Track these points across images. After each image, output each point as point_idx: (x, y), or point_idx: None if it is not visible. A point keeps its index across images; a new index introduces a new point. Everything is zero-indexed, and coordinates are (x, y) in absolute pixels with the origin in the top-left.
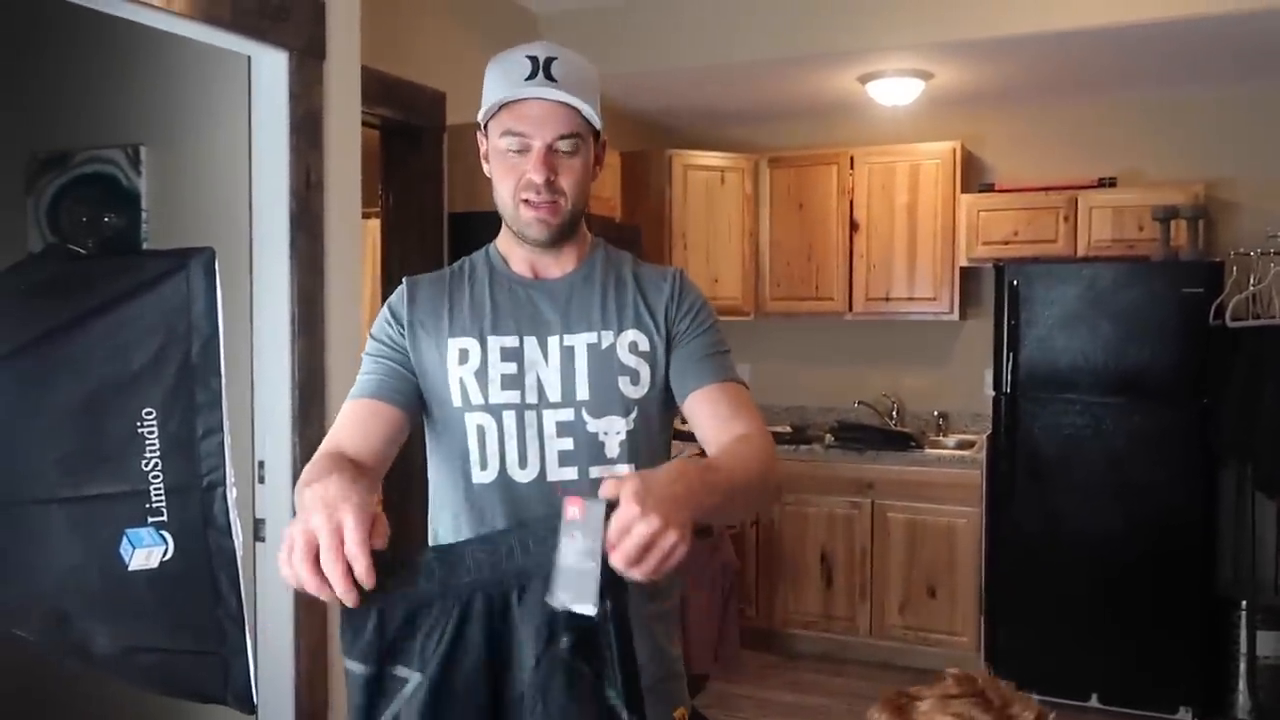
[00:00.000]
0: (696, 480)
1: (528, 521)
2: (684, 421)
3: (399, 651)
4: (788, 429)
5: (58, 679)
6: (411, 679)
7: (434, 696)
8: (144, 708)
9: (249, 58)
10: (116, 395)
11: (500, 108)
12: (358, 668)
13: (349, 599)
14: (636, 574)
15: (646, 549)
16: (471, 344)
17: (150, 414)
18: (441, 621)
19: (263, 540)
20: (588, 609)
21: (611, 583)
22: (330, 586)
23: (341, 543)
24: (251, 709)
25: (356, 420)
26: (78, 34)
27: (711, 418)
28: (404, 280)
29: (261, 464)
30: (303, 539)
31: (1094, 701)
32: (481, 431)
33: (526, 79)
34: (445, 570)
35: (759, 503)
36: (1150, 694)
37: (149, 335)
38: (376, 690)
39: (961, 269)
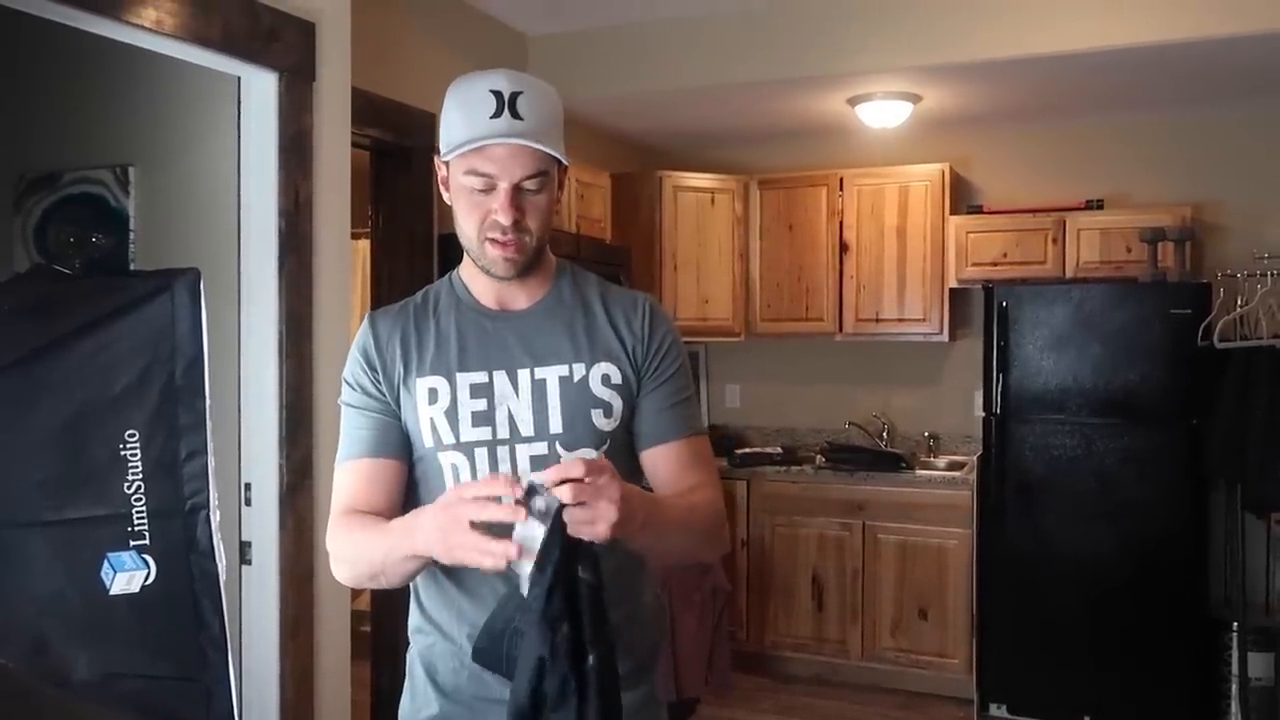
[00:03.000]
0: (641, 496)
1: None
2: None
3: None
4: (778, 450)
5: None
6: None
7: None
8: None
9: (239, 79)
10: (99, 417)
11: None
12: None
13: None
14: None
15: (583, 486)
16: (440, 382)
17: (133, 436)
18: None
19: (249, 563)
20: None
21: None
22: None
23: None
24: None
25: (368, 483)
26: (67, 54)
27: (667, 474)
28: (366, 317)
29: (248, 486)
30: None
31: None
32: (456, 470)
33: (491, 117)
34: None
35: (697, 548)
36: (1143, 716)
37: (133, 356)
38: None
39: (951, 290)
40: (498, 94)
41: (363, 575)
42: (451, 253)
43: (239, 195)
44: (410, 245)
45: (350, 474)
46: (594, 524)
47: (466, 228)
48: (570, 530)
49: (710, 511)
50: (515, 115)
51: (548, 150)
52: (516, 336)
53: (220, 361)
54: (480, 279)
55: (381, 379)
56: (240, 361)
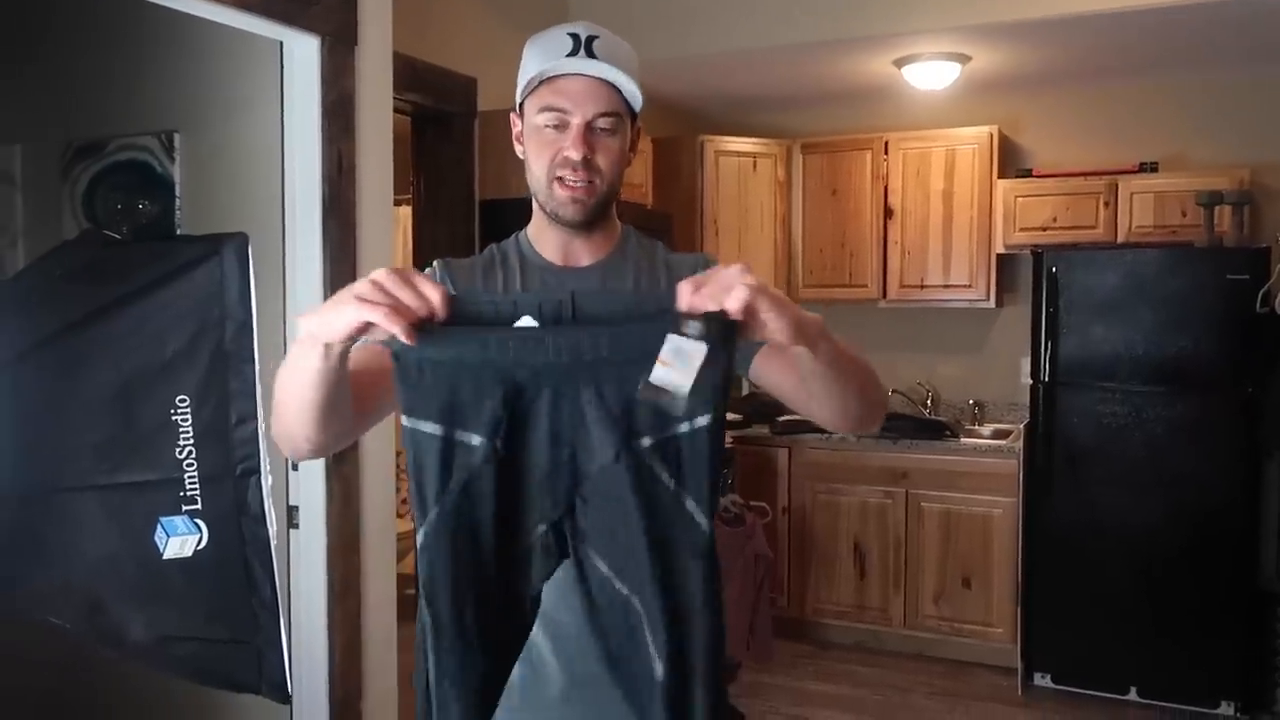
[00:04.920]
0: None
1: (616, 320)
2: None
3: (465, 416)
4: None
5: (92, 669)
6: (479, 445)
7: (504, 466)
8: (177, 697)
9: (281, 43)
10: (150, 382)
11: (539, 83)
12: (430, 427)
13: (426, 308)
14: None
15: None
16: None
17: (184, 401)
18: (508, 393)
19: (296, 527)
20: (681, 388)
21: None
22: (399, 314)
23: (407, 279)
24: (286, 699)
25: (364, 353)
26: (110, 22)
27: (781, 369)
28: (436, 261)
29: None
30: (364, 283)
31: (1133, 695)
32: None
33: (568, 55)
34: (519, 349)
35: (870, 396)
36: (1191, 688)
37: (183, 321)
38: (449, 455)
39: (998, 256)
40: (575, 36)
41: (276, 408)
42: (493, 220)
43: (282, 161)
44: (451, 212)
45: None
46: (780, 320)
47: (536, 169)
48: (747, 333)
49: (868, 365)
50: (591, 54)
51: (621, 83)
52: None
53: (265, 327)
54: (546, 234)
55: None
56: (285, 327)
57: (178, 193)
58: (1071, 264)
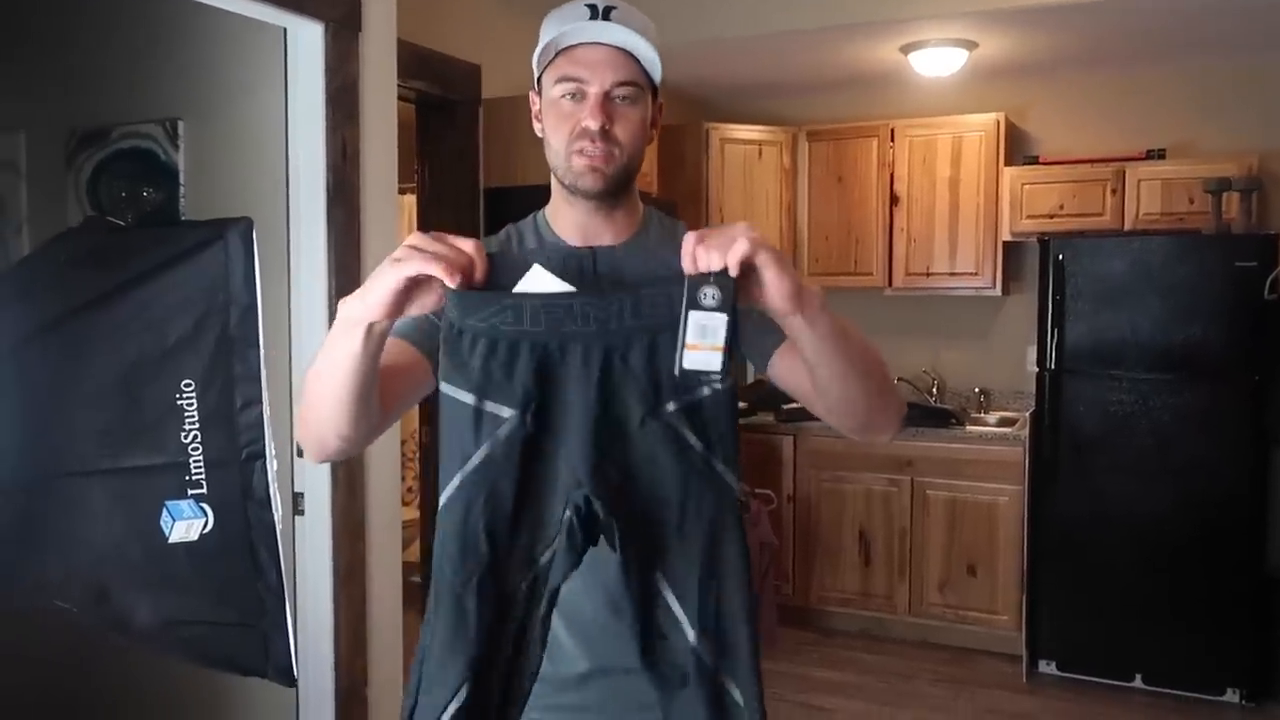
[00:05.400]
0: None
1: (641, 285)
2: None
3: (498, 388)
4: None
5: (98, 652)
6: (510, 418)
7: (530, 441)
8: (182, 693)
9: (285, 30)
10: (155, 367)
11: (556, 54)
12: (465, 396)
13: (464, 260)
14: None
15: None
16: None
17: (189, 385)
18: (539, 365)
19: (302, 514)
20: (714, 367)
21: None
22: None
23: (441, 237)
24: (291, 682)
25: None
26: (113, 8)
27: (800, 370)
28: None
29: None
30: (399, 249)
31: (1138, 682)
32: None
33: (585, 21)
34: (550, 318)
35: (877, 390)
36: (1197, 675)
37: (187, 306)
38: (479, 424)
39: (1004, 243)
40: (593, 6)
41: (310, 402)
42: (498, 208)
43: (286, 148)
44: (456, 199)
45: None
46: (780, 281)
47: (555, 143)
48: (743, 297)
49: (882, 362)
50: (608, 22)
51: (640, 51)
52: None
53: (271, 314)
54: (565, 214)
55: None
56: (290, 314)
57: (182, 180)
58: (1078, 251)
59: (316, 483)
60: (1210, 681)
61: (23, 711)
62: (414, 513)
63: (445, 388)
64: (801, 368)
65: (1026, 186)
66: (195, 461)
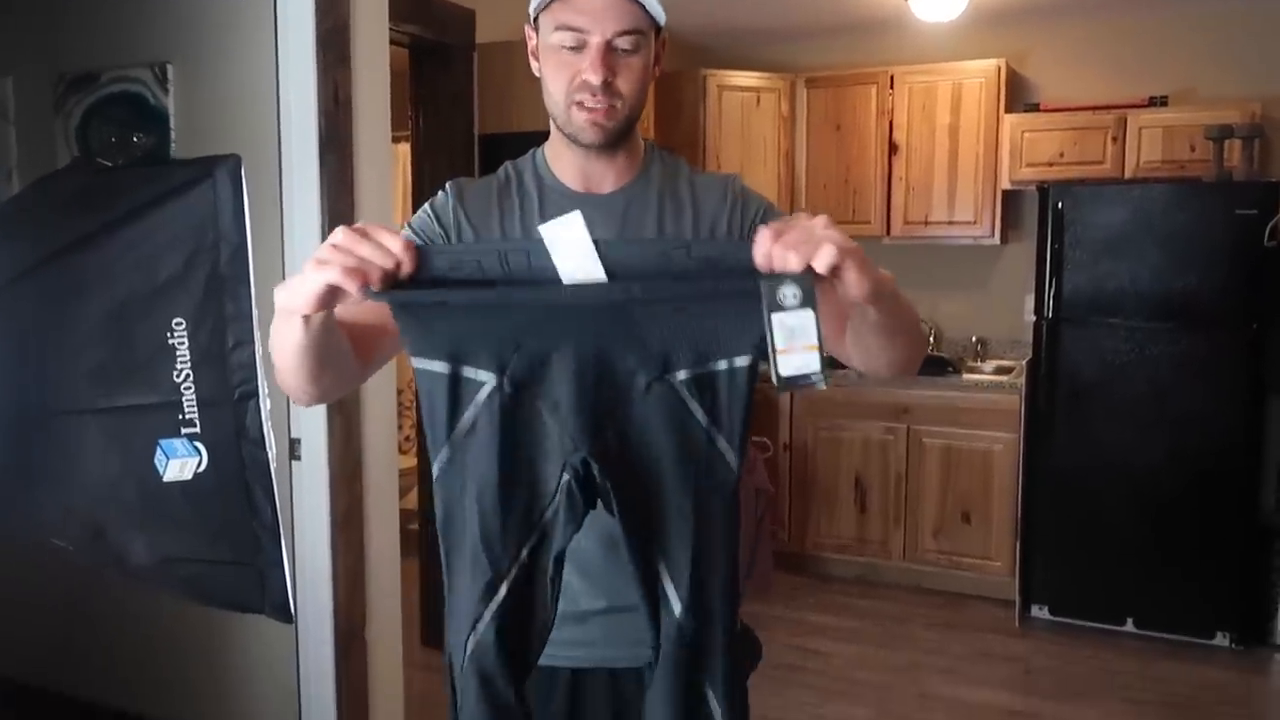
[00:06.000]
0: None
1: (649, 274)
2: None
3: (473, 353)
4: (823, 354)
5: (96, 595)
6: (489, 382)
7: (516, 404)
8: (184, 626)
9: None
10: (145, 306)
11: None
12: (439, 366)
13: (390, 260)
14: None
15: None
16: None
17: (180, 324)
18: (519, 329)
19: (298, 459)
20: (814, 368)
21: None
22: (358, 273)
23: (365, 234)
24: (289, 619)
25: (365, 309)
26: None
27: (831, 310)
28: (448, 183)
29: None
30: (323, 247)
31: (1129, 626)
32: None
33: None
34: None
35: (916, 349)
36: (1187, 619)
37: (176, 244)
38: (457, 392)
39: (1003, 192)
40: None
41: (275, 363)
42: (493, 155)
43: (277, 92)
44: (451, 147)
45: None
46: (863, 282)
47: (554, 90)
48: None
49: (913, 309)
50: None
51: (643, 2)
52: (602, 222)
53: (264, 261)
54: (565, 157)
55: (452, 235)
56: (284, 261)
57: (172, 124)
58: (1077, 200)
59: (313, 429)
60: (1200, 625)
61: (23, 655)
62: (411, 460)
63: (417, 362)
64: (827, 316)
65: (1026, 134)
66: (188, 401)
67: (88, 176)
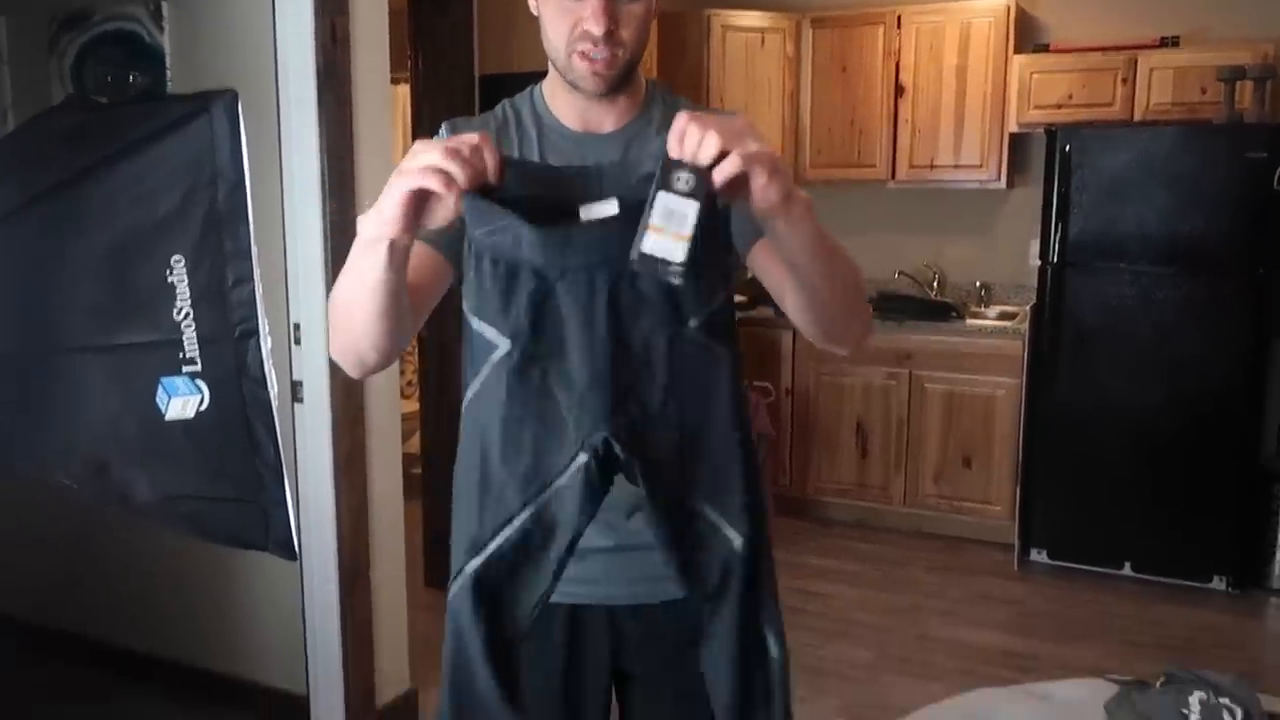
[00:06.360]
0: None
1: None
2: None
3: (494, 315)
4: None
5: (105, 530)
6: (500, 345)
7: (518, 367)
8: (190, 565)
9: None
10: (144, 243)
11: None
12: (469, 314)
13: (474, 170)
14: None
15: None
16: None
17: (179, 261)
18: (535, 291)
19: (301, 401)
20: (676, 257)
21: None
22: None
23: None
24: (293, 556)
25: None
26: None
27: (780, 269)
28: (444, 122)
29: (297, 326)
30: (406, 158)
31: (1127, 570)
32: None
33: None
34: (548, 250)
35: (847, 301)
36: (1184, 563)
37: (174, 181)
38: (481, 347)
39: (1011, 135)
40: None
41: (339, 323)
42: (493, 96)
43: (274, 31)
44: (450, 88)
45: None
46: (767, 186)
47: (553, 37)
48: (726, 194)
49: (856, 270)
50: None
51: None
52: (602, 160)
53: (262, 200)
54: (563, 96)
55: None
56: (284, 201)
57: (167, 64)
58: (1085, 143)
59: (314, 372)
60: (1197, 569)
61: (29, 594)
62: (413, 405)
63: (465, 302)
64: (778, 264)
65: (1035, 76)
66: (189, 339)
67: (83, 114)
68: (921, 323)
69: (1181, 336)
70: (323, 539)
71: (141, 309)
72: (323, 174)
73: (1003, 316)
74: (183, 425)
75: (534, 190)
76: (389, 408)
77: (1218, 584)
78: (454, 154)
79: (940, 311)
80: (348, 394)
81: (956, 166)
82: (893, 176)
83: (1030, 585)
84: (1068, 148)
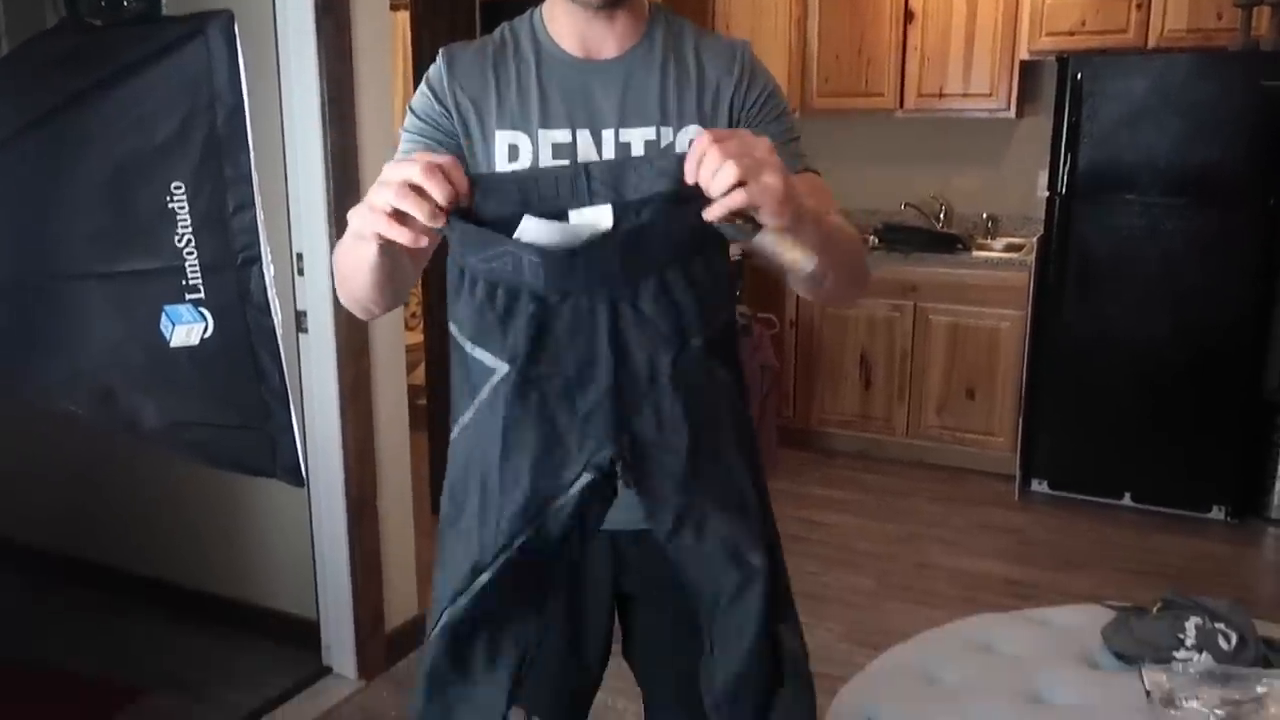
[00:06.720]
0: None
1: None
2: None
3: (489, 337)
4: None
5: (112, 459)
6: (497, 369)
7: (518, 391)
8: (197, 498)
9: None
10: (143, 168)
11: None
12: (460, 338)
13: (448, 194)
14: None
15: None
16: (520, 138)
17: (179, 188)
18: (535, 316)
19: (305, 332)
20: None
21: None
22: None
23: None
24: (300, 482)
25: None
26: None
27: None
28: (440, 51)
29: (300, 256)
30: (377, 189)
31: (1127, 500)
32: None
33: None
34: (550, 273)
35: (855, 272)
36: (1184, 493)
37: (171, 104)
38: (472, 370)
39: (1021, 63)
40: None
41: (339, 278)
42: (495, 22)
43: None
44: (450, 13)
45: None
46: (775, 217)
47: None
48: (726, 207)
49: (856, 238)
50: None
51: None
52: (603, 90)
53: (262, 131)
54: (563, 20)
55: (452, 114)
56: (283, 130)
57: None
58: (1097, 70)
59: (318, 301)
60: (1197, 499)
61: (37, 522)
62: (418, 337)
63: (451, 325)
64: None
65: (1047, 1)
66: (191, 266)
67: (77, 37)
68: (927, 255)
69: (1189, 269)
70: (329, 468)
71: (142, 236)
72: (322, 102)
73: (1009, 248)
74: (187, 352)
75: (514, 202)
76: (393, 339)
77: (1217, 514)
78: (433, 171)
79: (946, 243)
80: (352, 325)
81: (965, 95)
82: (901, 106)
83: (1031, 515)
84: (1079, 76)
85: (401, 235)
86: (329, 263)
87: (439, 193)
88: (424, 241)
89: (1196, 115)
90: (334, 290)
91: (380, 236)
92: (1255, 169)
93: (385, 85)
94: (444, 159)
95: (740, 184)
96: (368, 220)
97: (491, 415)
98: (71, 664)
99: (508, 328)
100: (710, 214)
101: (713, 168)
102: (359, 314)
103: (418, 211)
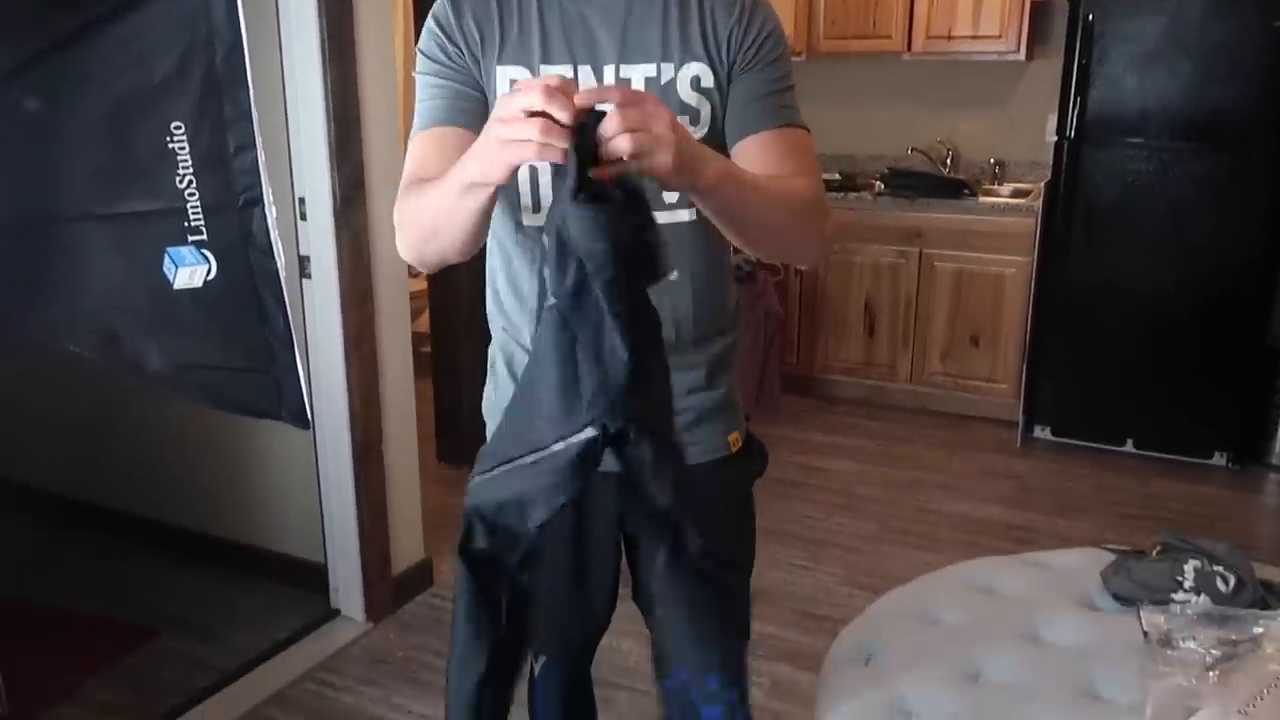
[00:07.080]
0: (717, 157)
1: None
2: None
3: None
4: (836, 177)
5: (118, 401)
6: (548, 305)
7: (561, 320)
8: (204, 443)
9: None
10: (142, 107)
11: None
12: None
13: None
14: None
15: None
16: (521, 74)
17: (179, 128)
18: (579, 267)
19: (309, 277)
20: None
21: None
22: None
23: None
24: (306, 425)
25: (437, 150)
26: None
27: (760, 166)
28: None
29: (302, 200)
30: (501, 125)
31: (1129, 446)
32: (534, 173)
33: None
34: (580, 229)
35: (790, 228)
36: (1186, 439)
37: (169, 42)
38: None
39: (1032, 3)
40: None
41: (424, 233)
42: None
43: None
44: None
45: (421, 144)
46: (652, 154)
47: None
48: (617, 160)
49: (806, 193)
50: None
51: None
52: (604, 26)
53: (262, 73)
54: None
55: (464, 51)
56: (283, 71)
57: None
58: (1109, 10)
59: (321, 247)
60: (1199, 445)
61: (47, 470)
62: (422, 284)
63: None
64: (750, 169)
65: None
66: (193, 207)
67: None
68: (933, 200)
69: (1197, 214)
70: (334, 413)
71: (142, 176)
72: (322, 42)
73: (1016, 194)
74: (191, 294)
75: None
76: (397, 285)
77: (1218, 460)
78: (553, 94)
79: (953, 189)
80: (356, 271)
81: (975, 37)
82: (909, 48)
83: (1032, 461)
84: (1090, 16)
85: (554, 155)
86: (330, 208)
87: (565, 113)
88: (560, 157)
89: (1209, 57)
90: (337, 235)
91: (511, 169)
92: (1267, 113)
93: (386, 20)
94: (552, 79)
95: (633, 156)
96: (506, 152)
97: (545, 329)
98: (81, 606)
99: (563, 274)
100: (595, 174)
101: (609, 133)
102: (431, 267)
103: (565, 116)
